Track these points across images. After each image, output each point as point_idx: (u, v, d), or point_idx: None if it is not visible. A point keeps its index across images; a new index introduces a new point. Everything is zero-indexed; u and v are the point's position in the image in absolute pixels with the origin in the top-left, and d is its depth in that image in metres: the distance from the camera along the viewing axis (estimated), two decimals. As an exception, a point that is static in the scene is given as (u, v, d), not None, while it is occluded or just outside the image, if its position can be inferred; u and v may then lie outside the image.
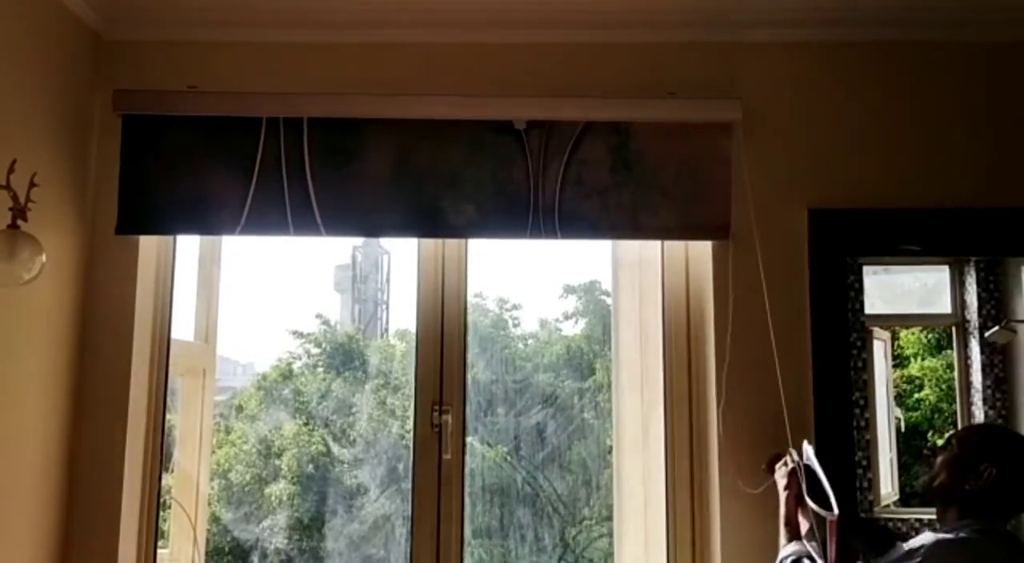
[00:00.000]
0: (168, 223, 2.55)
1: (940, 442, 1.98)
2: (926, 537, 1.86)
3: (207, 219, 2.53)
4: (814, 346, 2.48)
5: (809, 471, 2.07)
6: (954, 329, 4.70)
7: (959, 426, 2.93)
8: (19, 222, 1.98)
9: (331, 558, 3.12)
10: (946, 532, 1.86)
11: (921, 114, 2.59)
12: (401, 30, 2.60)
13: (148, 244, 2.59)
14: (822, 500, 1.99)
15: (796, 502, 2.11)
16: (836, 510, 1.93)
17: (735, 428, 2.45)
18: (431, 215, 2.52)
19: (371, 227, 2.58)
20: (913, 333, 6.71)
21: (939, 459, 1.94)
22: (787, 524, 2.12)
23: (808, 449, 2.15)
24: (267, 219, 2.50)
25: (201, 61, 2.61)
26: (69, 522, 2.45)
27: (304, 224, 2.50)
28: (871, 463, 4.35)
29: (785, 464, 2.16)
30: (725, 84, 2.57)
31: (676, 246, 2.66)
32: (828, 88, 2.60)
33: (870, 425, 4.40)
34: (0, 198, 1.99)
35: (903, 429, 6.16)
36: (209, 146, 2.52)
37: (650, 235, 2.58)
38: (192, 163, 2.52)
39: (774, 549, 2.19)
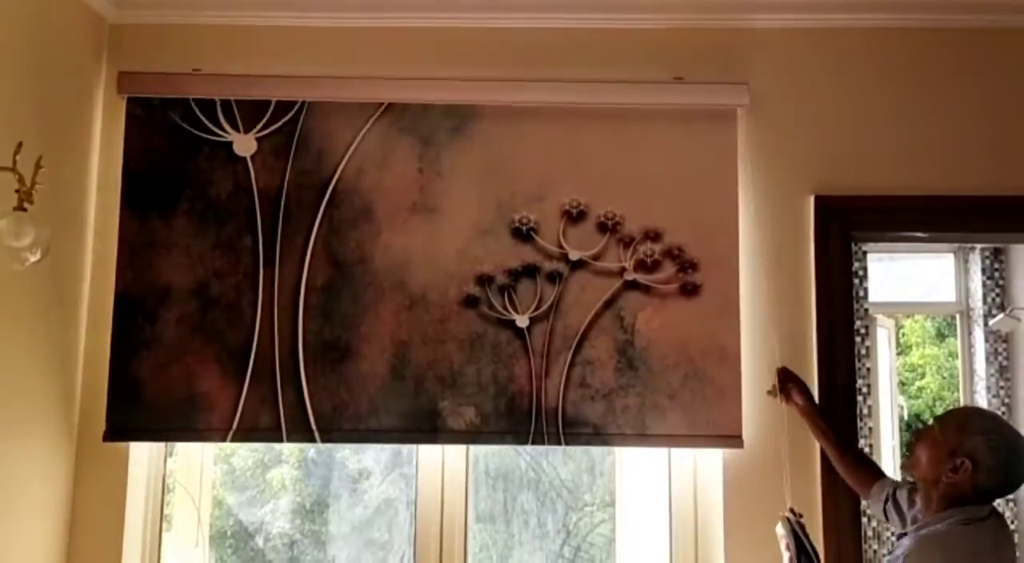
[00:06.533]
0: (157, 429, 2.47)
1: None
2: (908, 541, 1.87)
3: (197, 425, 2.45)
4: (819, 333, 2.48)
5: (798, 537, 2.09)
6: (958, 317, 4.71)
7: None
8: (25, 205, 1.98)
9: (334, 542, 3.13)
10: (928, 526, 1.86)
11: (928, 101, 2.58)
12: (406, 14, 2.59)
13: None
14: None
15: None
16: None
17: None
18: (430, 419, 2.45)
19: (368, 434, 2.48)
20: (917, 321, 6.73)
21: (918, 448, 1.92)
22: None
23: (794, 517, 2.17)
24: (259, 425, 2.45)
25: (206, 45, 2.61)
26: (75, 507, 2.46)
27: (298, 430, 2.44)
28: (874, 450, 4.36)
29: (782, 526, 2.15)
30: (732, 70, 2.57)
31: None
32: (835, 74, 2.60)
33: (873, 412, 4.41)
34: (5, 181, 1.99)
35: (906, 417, 6.19)
36: (201, 339, 2.46)
37: (658, 443, 2.47)
38: (182, 367, 2.46)
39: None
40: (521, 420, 2.45)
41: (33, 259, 1.98)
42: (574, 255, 2.50)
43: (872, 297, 4.48)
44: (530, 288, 2.49)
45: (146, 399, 2.45)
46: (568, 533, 3.10)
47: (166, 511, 2.66)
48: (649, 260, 2.49)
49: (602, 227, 2.51)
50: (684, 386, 2.45)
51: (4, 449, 2.16)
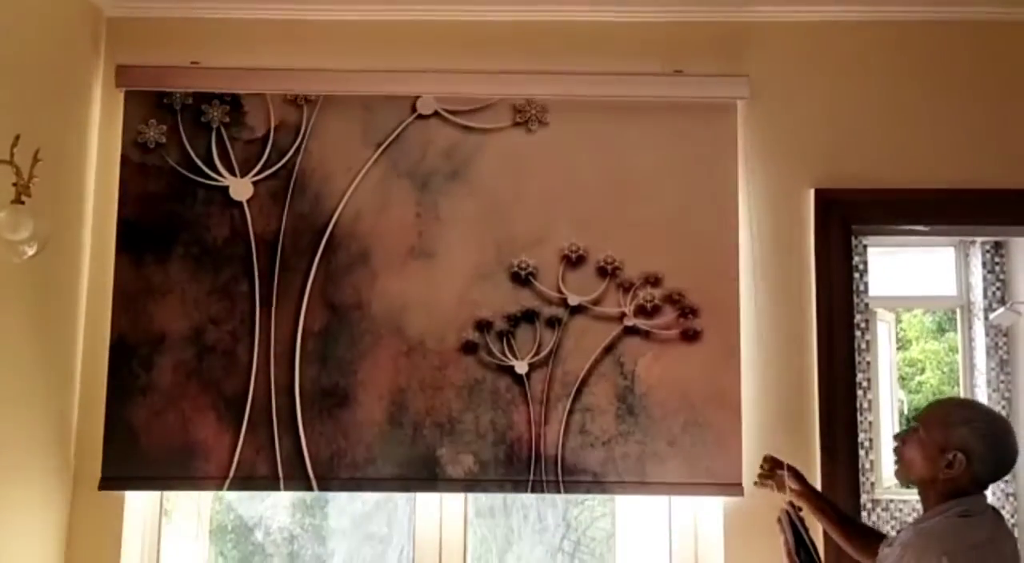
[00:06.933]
0: (153, 478, 2.46)
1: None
2: (906, 535, 1.86)
3: (193, 474, 2.43)
4: (819, 327, 2.47)
5: (797, 530, 2.08)
6: (958, 311, 4.72)
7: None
8: (23, 198, 1.97)
9: (334, 536, 3.13)
10: (927, 519, 1.86)
11: (928, 94, 2.58)
12: (405, 7, 2.57)
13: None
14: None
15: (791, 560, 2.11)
16: None
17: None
18: (428, 467, 2.43)
19: (365, 482, 2.45)
20: (916, 316, 6.73)
21: (906, 451, 1.91)
22: None
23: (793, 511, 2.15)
24: (256, 474, 2.43)
25: (205, 38, 2.59)
26: (75, 499, 2.47)
27: (295, 478, 2.43)
28: (873, 444, 4.37)
29: (780, 520, 2.14)
30: (732, 63, 2.56)
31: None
32: (835, 67, 2.59)
33: (872, 407, 4.42)
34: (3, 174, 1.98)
35: (906, 411, 6.19)
36: (197, 385, 2.45)
37: (658, 490, 2.46)
38: (178, 414, 2.44)
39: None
40: (520, 468, 2.43)
41: (31, 252, 1.98)
42: (573, 300, 2.47)
43: (872, 291, 4.48)
44: (529, 334, 2.47)
45: (142, 447, 2.43)
46: (568, 527, 3.10)
47: (166, 505, 2.66)
48: (649, 305, 2.47)
49: (602, 272, 2.48)
50: (684, 433, 2.43)
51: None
